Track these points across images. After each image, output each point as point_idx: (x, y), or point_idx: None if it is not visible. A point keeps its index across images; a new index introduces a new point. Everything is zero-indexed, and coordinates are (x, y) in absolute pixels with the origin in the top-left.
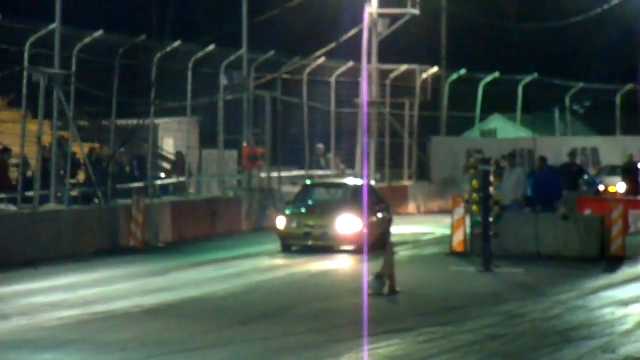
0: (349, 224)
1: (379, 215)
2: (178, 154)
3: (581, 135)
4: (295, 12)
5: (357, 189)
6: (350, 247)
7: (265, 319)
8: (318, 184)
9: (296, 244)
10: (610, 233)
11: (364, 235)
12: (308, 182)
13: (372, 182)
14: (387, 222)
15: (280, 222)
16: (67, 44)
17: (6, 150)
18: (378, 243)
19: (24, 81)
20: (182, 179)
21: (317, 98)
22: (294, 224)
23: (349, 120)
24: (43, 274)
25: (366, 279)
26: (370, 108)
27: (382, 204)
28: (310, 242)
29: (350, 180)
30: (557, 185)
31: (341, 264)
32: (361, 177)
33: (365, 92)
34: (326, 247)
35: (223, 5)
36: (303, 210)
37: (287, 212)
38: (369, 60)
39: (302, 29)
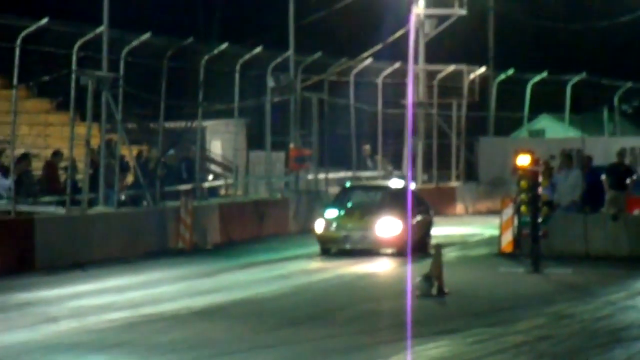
0: (388, 227)
1: (419, 217)
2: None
3: (630, 135)
4: (342, 13)
5: (396, 191)
6: (389, 251)
7: (312, 321)
8: (357, 186)
9: (335, 248)
10: None
11: (403, 238)
12: (347, 184)
13: (412, 185)
14: (427, 225)
15: (319, 225)
16: (115, 47)
17: (57, 154)
18: (418, 246)
19: (72, 84)
20: (229, 181)
21: (364, 99)
22: (332, 227)
23: (396, 121)
24: (91, 276)
25: (411, 281)
26: (418, 109)
27: (422, 206)
28: (348, 246)
29: (393, 182)
30: (600, 187)
31: (385, 266)
32: (407, 178)
33: (411, 93)
34: (365, 250)
35: (270, 8)
36: (342, 213)
37: (326, 215)
38: (415, 61)
39: (348, 30)
